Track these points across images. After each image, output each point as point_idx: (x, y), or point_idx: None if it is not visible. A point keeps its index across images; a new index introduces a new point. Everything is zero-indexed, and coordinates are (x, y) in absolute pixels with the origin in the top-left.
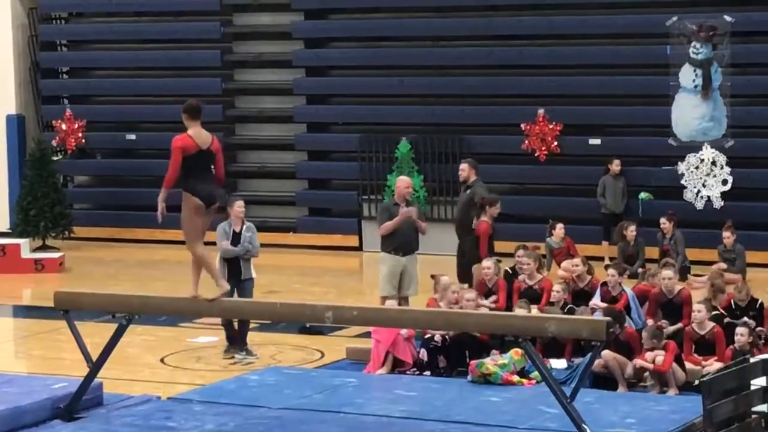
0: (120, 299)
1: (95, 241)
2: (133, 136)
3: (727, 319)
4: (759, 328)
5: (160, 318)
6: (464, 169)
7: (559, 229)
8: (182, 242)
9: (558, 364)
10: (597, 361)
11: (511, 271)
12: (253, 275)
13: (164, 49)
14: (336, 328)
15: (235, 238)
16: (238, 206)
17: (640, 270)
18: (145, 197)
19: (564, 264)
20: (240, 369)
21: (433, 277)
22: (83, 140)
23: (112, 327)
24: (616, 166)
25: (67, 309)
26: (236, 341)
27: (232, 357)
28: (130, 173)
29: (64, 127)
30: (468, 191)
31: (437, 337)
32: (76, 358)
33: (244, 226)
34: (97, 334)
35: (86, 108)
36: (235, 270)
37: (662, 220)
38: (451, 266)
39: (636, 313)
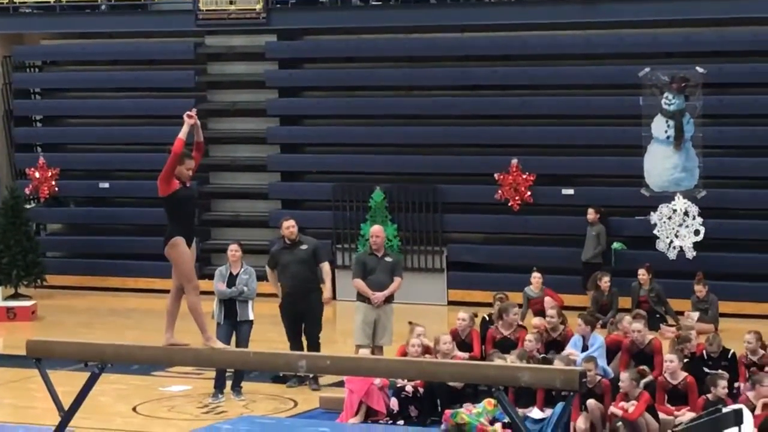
0: (92, 347)
1: (68, 290)
2: (106, 185)
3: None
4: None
5: (133, 366)
6: (295, 225)
7: (536, 278)
8: (153, 291)
9: (535, 414)
10: (582, 417)
11: (488, 318)
12: (251, 317)
13: (138, 98)
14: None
15: (231, 281)
16: (231, 249)
17: (612, 320)
18: (118, 245)
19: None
20: (212, 418)
21: (410, 324)
22: (56, 188)
23: (84, 375)
24: (589, 215)
25: (40, 357)
26: (221, 385)
27: (206, 406)
28: (104, 221)
29: (37, 175)
30: (304, 246)
31: (408, 387)
32: (47, 407)
33: (242, 269)
34: (69, 382)
35: (60, 156)
36: (231, 311)
37: (641, 271)
38: (426, 315)
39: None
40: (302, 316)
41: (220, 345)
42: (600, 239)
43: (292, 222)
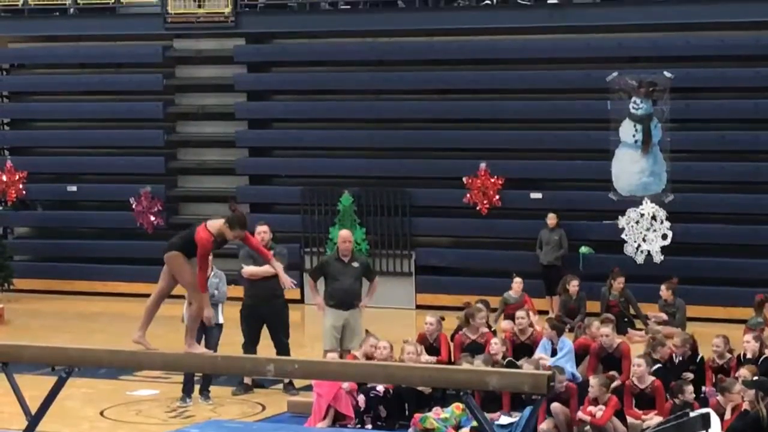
0: (59, 351)
1: (35, 293)
2: (74, 188)
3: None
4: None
5: (100, 370)
6: (267, 231)
7: (517, 283)
8: (121, 294)
9: (502, 420)
10: (546, 421)
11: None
12: (221, 321)
13: (106, 101)
14: (277, 381)
15: None
16: None
17: (580, 324)
18: (85, 249)
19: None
20: (180, 422)
21: (367, 332)
22: (24, 192)
23: (52, 380)
24: (550, 219)
25: (6, 361)
26: (189, 389)
27: (174, 410)
28: (71, 225)
29: (4, 178)
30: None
31: (379, 388)
32: (14, 411)
33: (212, 273)
34: (36, 386)
35: (27, 159)
36: None
37: (619, 279)
38: (394, 319)
39: (568, 364)
40: (263, 322)
41: (201, 350)
42: (562, 242)
43: (264, 228)
